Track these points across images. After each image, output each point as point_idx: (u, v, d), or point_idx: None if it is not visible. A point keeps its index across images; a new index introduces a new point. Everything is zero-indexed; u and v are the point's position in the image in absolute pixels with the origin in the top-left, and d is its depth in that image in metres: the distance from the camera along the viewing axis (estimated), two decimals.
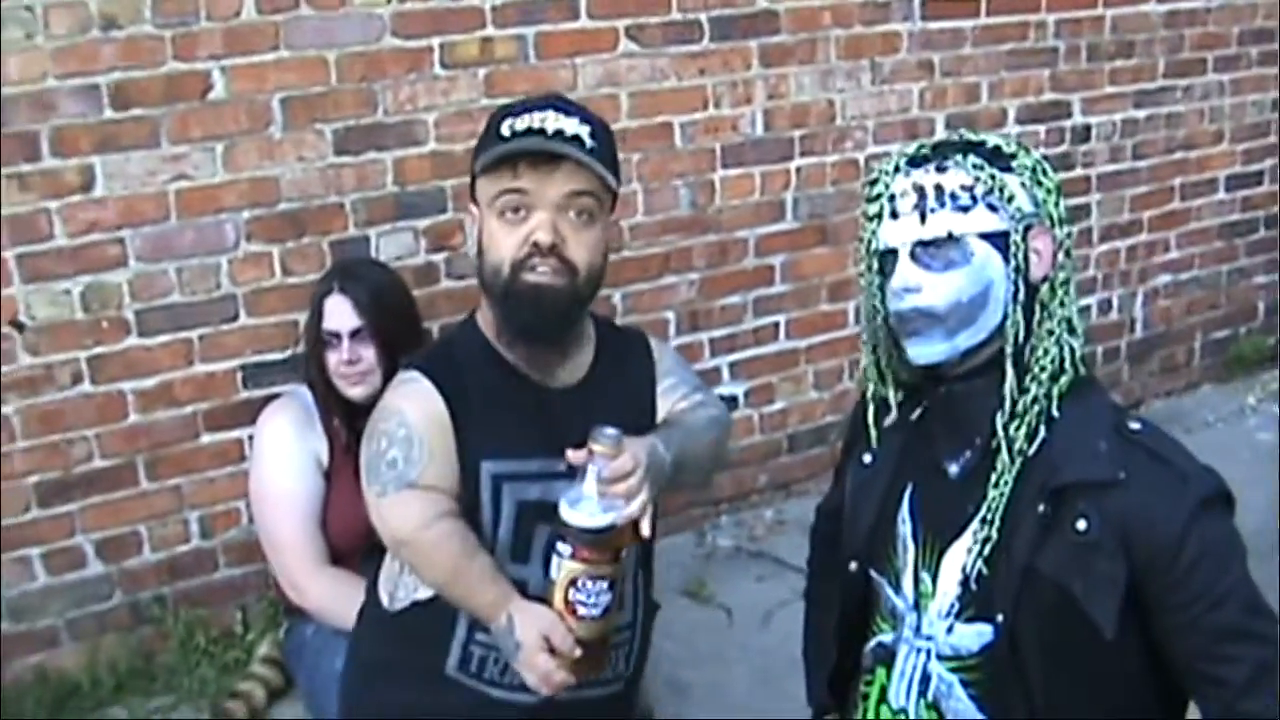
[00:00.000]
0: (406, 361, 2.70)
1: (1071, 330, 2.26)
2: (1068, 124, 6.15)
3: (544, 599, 2.42)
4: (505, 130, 2.47)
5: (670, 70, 5.07)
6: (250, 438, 4.25)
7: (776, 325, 5.64)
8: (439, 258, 4.74)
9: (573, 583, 2.36)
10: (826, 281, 5.69)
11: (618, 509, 2.34)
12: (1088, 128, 6.23)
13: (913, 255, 2.20)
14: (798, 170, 5.49)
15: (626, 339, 2.85)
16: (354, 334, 3.71)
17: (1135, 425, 2.24)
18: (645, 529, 2.39)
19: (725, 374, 5.54)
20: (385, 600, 2.75)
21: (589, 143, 2.47)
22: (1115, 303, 6.55)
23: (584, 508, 2.33)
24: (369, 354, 3.70)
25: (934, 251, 2.19)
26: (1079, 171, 6.16)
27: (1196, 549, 2.10)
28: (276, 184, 4.43)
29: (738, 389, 5.59)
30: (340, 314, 3.74)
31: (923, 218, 2.19)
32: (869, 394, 2.44)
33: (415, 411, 2.56)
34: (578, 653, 2.39)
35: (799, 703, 2.79)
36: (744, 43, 5.21)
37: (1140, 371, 6.69)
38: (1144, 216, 6.55)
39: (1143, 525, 2.11)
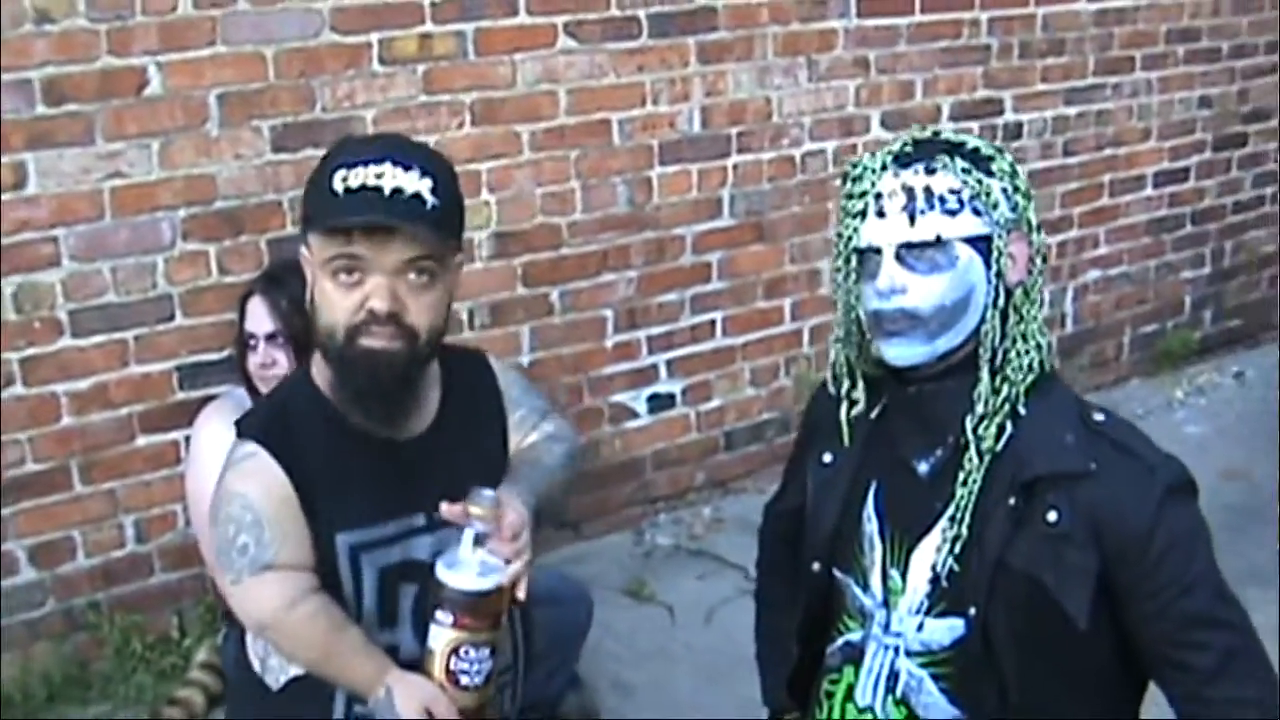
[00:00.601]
0: (240, 425, 2.52)
1: (1042, 332, 2.26)
2: (1000, 121, 6.19)
3: (421, 668, 2.33)
4: (338, 186, 2.26)
5: (609, 67, 5.05)
6: (187, 439, 4.17)
7: (713, 323, 5.63)
8: None
9: (454, 651, 2.28)
10: (763, 279, 5.70)
11: (499, 571, 2.26)
12: (1020, 125, 6.28)
13: (898, 256, 2.18)
14: (734, 167, 5.49)
15: (469, 367, 2.67)
16: (269, 337, 3.64)
17: (1100, 416, 2.24)
18: (521, 592, 2.32)
19: (663, 372, 5.53)
20: (258, 667, 2.61)
21: (430, 200, 2.28)
22: (1046, 298, 6.55)
23: (463, 572, 2.25)
24: (283, 359, 3.64)
25: (919, 253, 2.16)
26: None
27: (1166, 538, 2.11)
28: (213, 182, 4.37)
29: (674, 387, 5.57)
30: (258, 316, 3.67)
31: (911, 219, 2.16)
32: (841, 391, 2.39)
33: (258, 491, 2.40)
34: None
35: (745, 700, 2.78)
36: (682, 39, 5.21)
37: (1070, 366, 6.72)
38: (1074, 212, 6.61)
39: (1112, 515, 2.12)
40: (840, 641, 2.43)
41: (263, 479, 2.38)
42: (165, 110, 4.24)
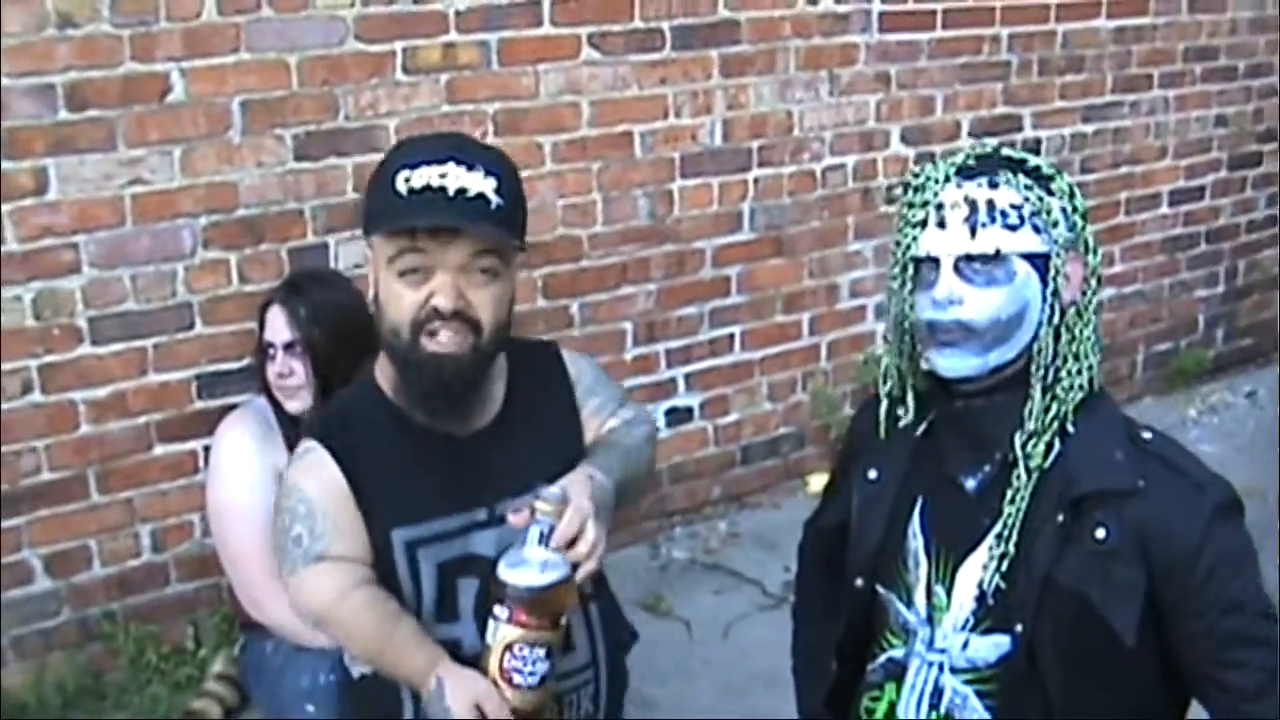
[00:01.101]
0: (306, 426, 2.60)
1: (1094, 351, 2.25)
2: (1019, 137, 6.17)
3: (478, 664, 2.29)
4: (401, 186, 2.26)
5: (631, 79, 5.04)
6: (205, 449, 4.14)
7: (732, 337, 5.62)
8: None
9: (509, 648, 2.23)
10: (782, 293, 5.69)
11: (560, 567, 2.22)
12: (1038, 141, 6.28)
13: (956, 267, 2.16)
14: (755, 181, 5.49)
15: (538, 359, 2.67)
16: (287, 347, 3.62)
17: (1147, 435, 2.24)
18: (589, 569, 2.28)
19: (681, 385, 5.52)
20: (350, 667, 2.64)
21: (494, 200, 2.29)
22: (1097, 320, 6.56)
23: (522, 569, 2.21)
24: (300, 369, 3.61)
25: (978, 266, 2.16)
26: None
27: (1213, 556, 2.11)
28: (235, 189, 4.35)
29: (692, 400, 5.55)
30: (276, 326, 3.65)
31: (973, 231, 2.15)
32: (887, 393, 2.38)
33: (313, 485, 2.43)
34: None
35: (764, 714, 2.76)
36: (705, 52, 5.20)
37: None
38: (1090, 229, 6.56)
39: (1161, 533, 2.11)
40: (882, 658, 2.42)
41: (318, 474, 2.42)
42: (188, 117, 4.22)
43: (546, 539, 2.22)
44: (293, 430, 3.68)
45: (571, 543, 2.23)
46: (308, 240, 4.48)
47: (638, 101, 5.04)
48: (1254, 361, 7.59)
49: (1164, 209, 6.92)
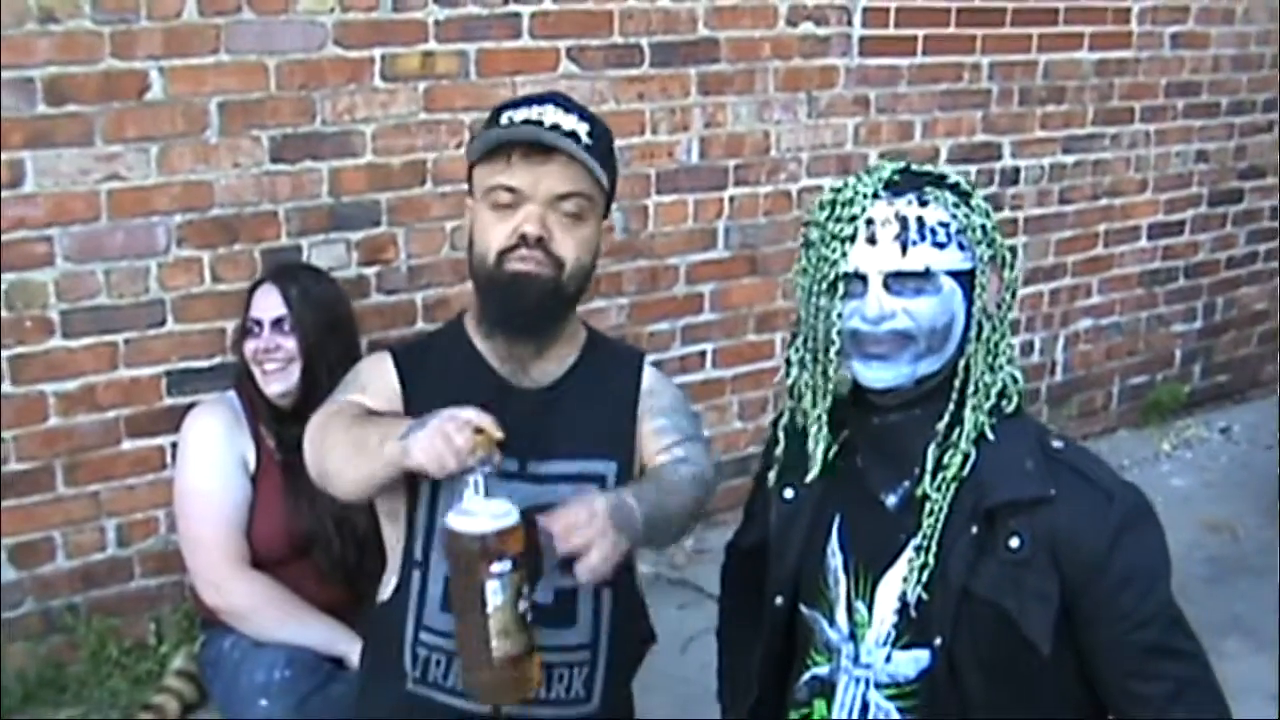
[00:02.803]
0: (386, 346, 2.77)
1: (1011, 362, 2.28)
2: (997, 166, 6.22)
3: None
4: (503, 120, 2.49)
5: (609, 93, 5.06)
6: (173, 445, 4.14)
7: (703, 354, 5.64)
8: (371, 271, 4.70)
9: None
10: (755, 312, 5.71)
11: (509, 514, 2.24)
12: (1017, 170, 6.30)
13: (885, 284, 2.19)
14: (731, 199, 5.51)
15: (618, 354, 2.80)
16: (275, 322, 3.66)
17: (1058, 444, 2.28)
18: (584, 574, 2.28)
19: None
20: (378, 599, 2.73)
21: (585, 139, 2.48)
22: (1037, 345, 6.61)
23: (468, 518, 2.23)
24: (288, 344, 3.65)
25: (905, 282, 2.19)
26: (1007, 214, 6.20)
27: (1123, 565, 2.14)
28: (210, 189, 4.36)
29: None
30: (266, 303, 3.70)
31: (904, 249, 2.18)
32: (811, 416, 2.36)
33: (368, 368, 2.67)
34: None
35: None
36: (684, 70, 5.23)
37: (1059, 414, 6.73)
38: (1068, 261, 6.63)
39: (1070, 542, 2.14)
40: (807, 676, 2.45)
41: (377, 364, 2.67)
42: (166, 115, 4.24)
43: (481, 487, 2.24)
44: (260, 423, 3.72)
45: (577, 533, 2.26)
46: (282, 241, 4.50)
47: (615, 116, 5.03)
48: (1230, 398, 7.63)
49: (1143, 242, 6.94)
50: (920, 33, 5.81)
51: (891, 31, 5.73)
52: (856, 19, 5.61)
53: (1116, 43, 6.48)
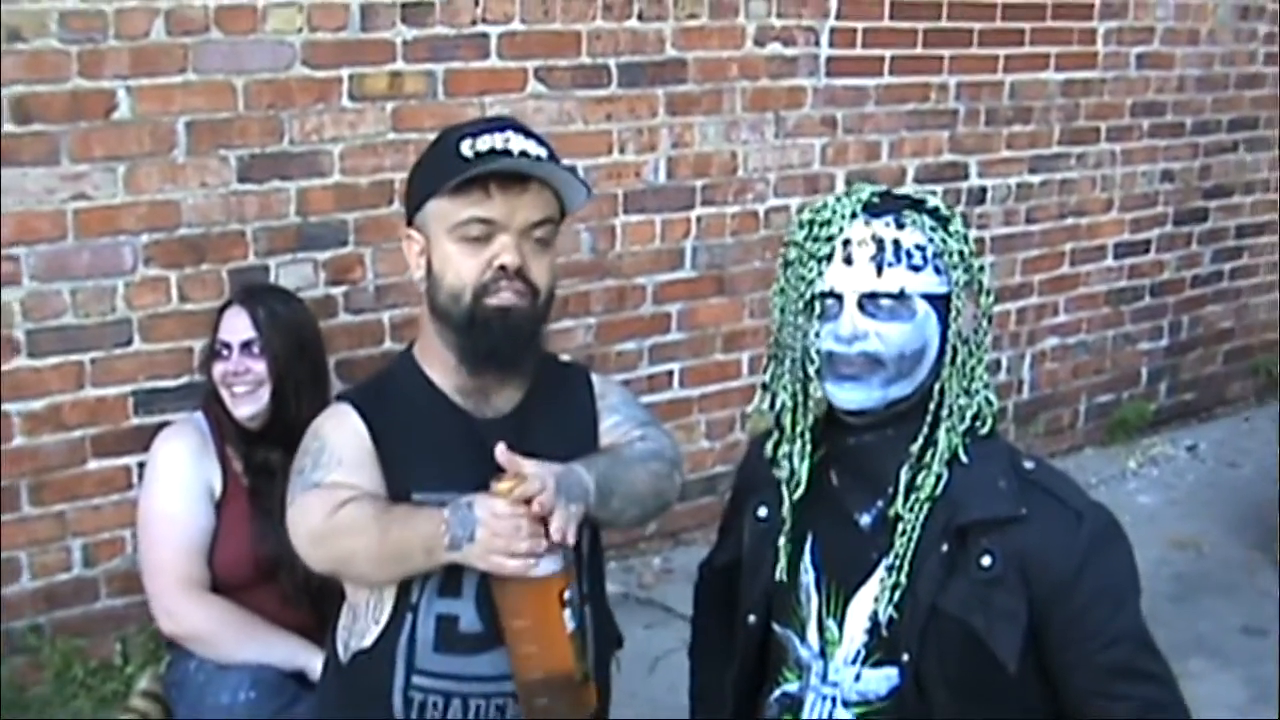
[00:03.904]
0: (339, 393, 2.70)
1: (987, 387, 2.30)
2: (964, 185, 6.24)
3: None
4: (467, 151, 2.43)
5: (577, 114, 5.08)
6: (140, 465, 4.15)
7: (671, 374, 5.65)
8: (338, 291, 4.70)
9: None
10: (722, 331, 5.73)
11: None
12: (984, 190, 6.33)
13: (860, 304, 2.20)
14: (698, 219, 5.52)
15: (566, 371, 2.80)
16: (245, 345, 3.65)
17: (1030, 464, 2.29)
18: (571, 537, 2.33)
19: None
20: (341, 652, 2.69)
21: (555, 165, 2.48)
22: (1004, 364, 6.63)
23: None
24: (258, 367, 3.64)
25: (880, 303, 2.20)
26: (973, 233, 6.18)
27: (1091, 585, 2.16)
28: (178, 208, 4.36)
29: None
30: (235, 325, 3.69)
31: (879, 270, 2.19)
32: (788, 435, 2.37)
33: (331, 429, 2.57)
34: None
35: None
36: (651, 90, 5.24)
37: (1025, 433, 6.76)
38: (1034, 280, 6.66)
39: (1040, 561, 2.16)
40: (777, 693, 2.45)
41: (340, 421, 2.58)
42: (133, 135, 4.24)
43: None
44: (227, 446, 3.71)
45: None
46: (249, 261, 4.49)
47: (582, 137, 5.08)
48: (1196, 416, 7.67)
49: (1109, 261, 6.98)
50: (887, 53, 5.83)
51: (858, 52, 5.75)
52: (824, 40, 5.63)
53: (1082, 63, 6.52)
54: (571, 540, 2.33)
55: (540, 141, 2.50)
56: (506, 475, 2.31)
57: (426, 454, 2.53)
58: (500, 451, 2.32)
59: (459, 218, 2.44)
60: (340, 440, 2.54)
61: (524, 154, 2.43)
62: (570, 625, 2.34)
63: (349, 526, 2.44)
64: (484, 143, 2.43)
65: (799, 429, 2.34)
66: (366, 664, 2.59)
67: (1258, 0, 7.13)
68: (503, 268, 2.43)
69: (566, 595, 2.34)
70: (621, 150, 5.23)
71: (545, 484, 2.30)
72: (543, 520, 2.28)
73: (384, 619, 2.57)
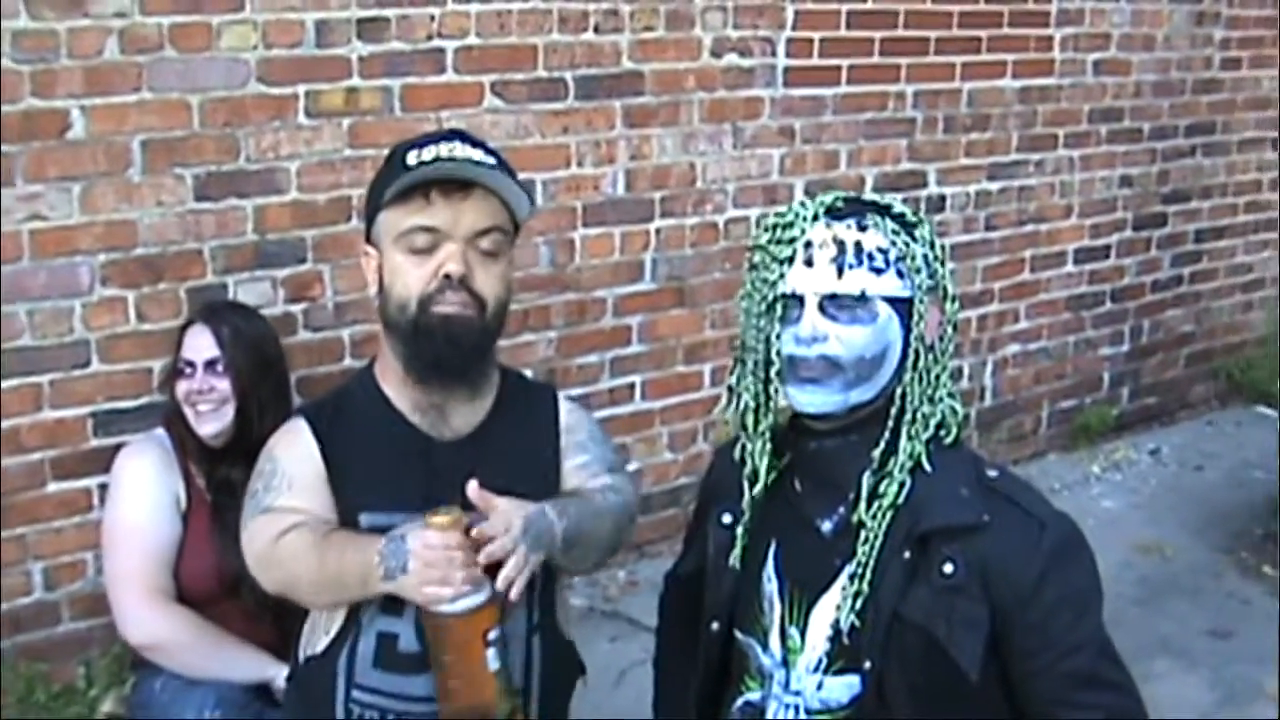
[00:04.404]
0: (298, 407, 2.73)
1: (951, 394, 2.30)
2: (923, 193, 6.25)
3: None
4: (411, 160, 2.43)
5: (534, 127, 5.07)
6: (100, 487, 4.13)
7: (632, 386, 5.64)
8: (297, 308, 4.68)
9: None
10: (683, 343, 5.72)
11: (480, 593, 2.31)
12: (943, 198, 6.35)
13: (821, 306, 2.20)
14: (657, 231, 5.52)
15: (532, 393, 2.78)
16: (209, 364, 3.64)
17: (993, 473, 2.29)
18: (514, 593, 2.35)
19: None
20: (300, 657, 2.71)
21: (498, 172, 2.47)
22: (966, 371, 6.64)
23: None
24: (222, 385, 3.63)
25: (841, 305, 2.20)
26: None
27: (1053, 594, 2.16)
28: (134, 228, 4.33)
29: None
30: (198, 344, 3.68)
31: (840, 272, 2.19)
32: (750, 435, 2.37)
33: (283, 448, 2.58)
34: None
35: None
36: (608, 102, 5.24)
37: (988, 439, 6.77)
38: (995, 287, 6.68)
39: (1001, 569, 2.16)
40: (740, 702, 2.45)
41: (293, 440, 2.59)
42: (88, 154, 4.22)
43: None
44: (190, 462, 3.70)
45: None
46: (207, 280, 4.47)
47: (540, 150, 5.07)
48: (1158, 420, 7.70)
49: (1069, 267, 7.00)
50: (844, 62, 5.85)
51: (815, 62, 5.76)
52: (780, 50, 5.64)
53: (1039, 70, 6.55)
54: (516, 595, 2.35)
55: (488, 151, 2.50)
56: (445, 509, 2.31)
57: (377, 476, 2.54)
58: (472, 489, 2.33)
59: (403, 226, 2.44)
60: (291, 461, 2.55)
61: (469, 160, 2.43)
62: (493, 664, 2.35)
63: (290, 554, 2.47)
64: (429, 152, 2.43)
65: (760, 428, 2.35)
66: (315, 671, 2.62)
67: (1212, 6, 7.17)
68: (447, 276, 2.42)
69: (491, 635, 2.34)
70: (579, 163, 5.22)
71: (508, 527, 2.32)
72: (477, 550, 2.29)
73: (334, 630, 2.59)
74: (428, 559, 2.28)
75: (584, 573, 2.60)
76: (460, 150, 2.44)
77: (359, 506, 2.51)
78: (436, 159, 2.42)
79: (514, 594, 2.32)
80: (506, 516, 2.33)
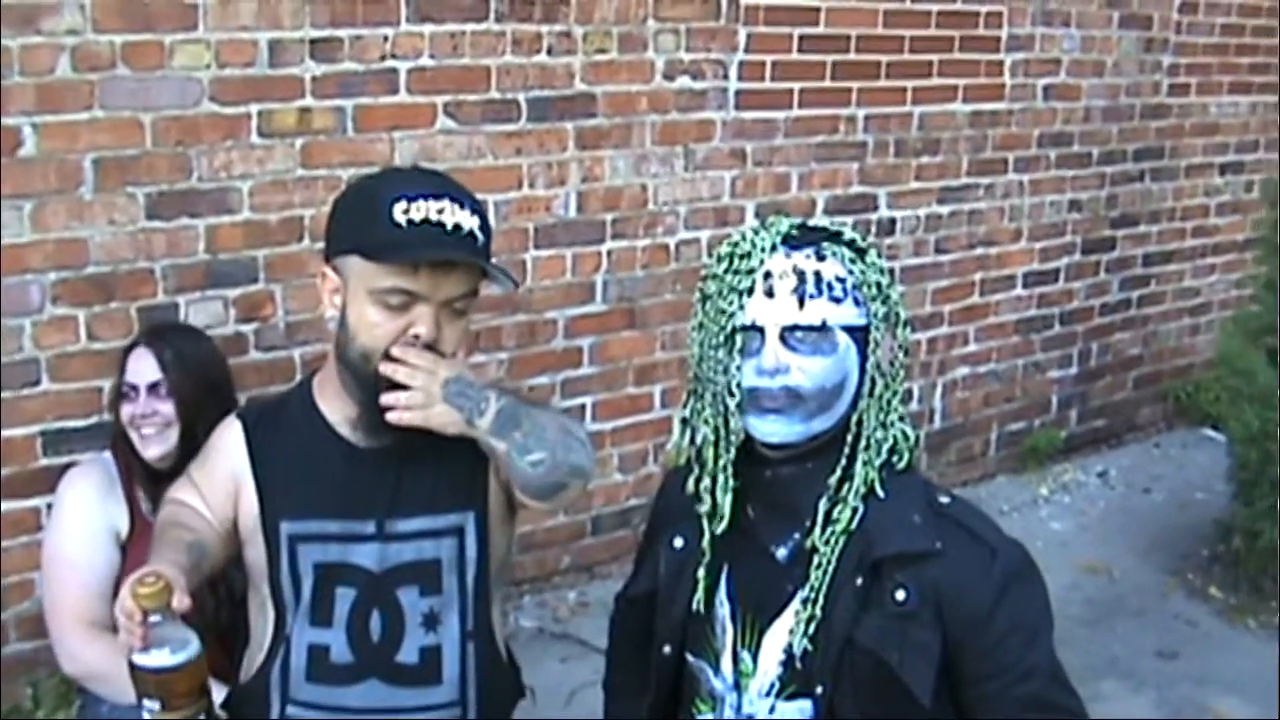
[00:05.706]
0: (242, 407, 2.76)
1: (903, 419, 2.30)
2: (874, 216, 6.28)
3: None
4: (400, 218, 2.35)
5: (486, 148, 5.08)
6: (49, 506, 4.08)
7: (583, 407, 5.65)
8: (249, 328, 4.68)
9: None
10: (634, 365, 5.74)
11: (188, 646, 2.22)
12: (893, 221, 6.38)
13: (781, 337, 2.19)
14: (609, 253, 5.53)
15: None
16: (151, 387, 3.61)
17: (945, 499, 2.29)
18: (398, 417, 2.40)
19: None
20: (241, 678, 2.71)
21: (480, 237, 2.42)
22: (915, 393, 6.67)
23: (155, 653, 2.20)
24: (165, 409, 3.60)
25: (802, 336, 2.19)
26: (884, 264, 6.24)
27: (1006, 620, 2.16)
28: (85, 246, 4.32)
29: None
30: (140, 367, 3.65)
31: (801, 303, 2.18)
32: (710, 470, 2.34)
33: (215, 439, 2.68)
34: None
35: None
36: (561, 124, 5.25)
37: (938, 461, 6.81)
38: (945, 310, 6.71)
39: (954, 595, 2.16)
40: None
41: (224, 433, 2.65)
42: (39, 172, 4.20)
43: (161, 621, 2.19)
44: (135, 485, 3.67)
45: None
46: (158, 299, 4.46)
47: (492, 171, 5.08)
48: (1106, 442, 7.76)
49: (1019, 290, 7.05)
50: (796, 86, 5.87)
51: (767, 85, 5.78)
52: (732, 73, 5.67)
53: (990, 95, 6.60)
54: (397, 419, 2.40)
55: (474, 209, 2.43)
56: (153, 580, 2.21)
57: (298, 484, 2.54)
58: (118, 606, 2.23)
59: (381, 285, 2.38)
60: (216, 455, 2.63)
61: (457, 227, 2.37)
62: None
63: (159, 523, 2.59)
64: (418, 210, 2.36)
65: (721, 463, 2.31)
66: (251, 691, 2.62)
67: (1161, 33, 7.24)
68: (416, 337, 2.40)
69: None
70: (531, 184, 5.23)
71: (431, 370, 2.40)
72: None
73: (266, 646, 2.60)
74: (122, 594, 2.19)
75: (541, 481, 2.50)
76: (449, 214, 2.38)
77: (279, 514, 2.52)
78: (426, 221, 2.35)
79: (398, 418, 2.40)
80: (435, 363, 2.39)
